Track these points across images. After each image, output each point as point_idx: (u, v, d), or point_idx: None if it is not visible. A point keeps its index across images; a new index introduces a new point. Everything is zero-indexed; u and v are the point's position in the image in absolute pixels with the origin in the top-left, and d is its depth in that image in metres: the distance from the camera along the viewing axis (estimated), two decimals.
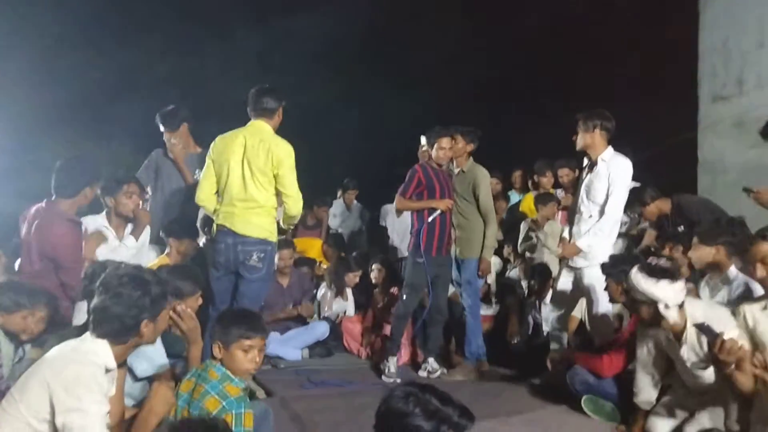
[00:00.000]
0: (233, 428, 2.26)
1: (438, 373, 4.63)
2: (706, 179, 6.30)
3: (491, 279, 5.86)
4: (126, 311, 2.21)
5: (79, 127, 7.62)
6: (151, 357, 2.79)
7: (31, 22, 7.63)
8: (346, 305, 5.67)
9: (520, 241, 6.12)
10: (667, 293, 2.98)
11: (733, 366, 2.65)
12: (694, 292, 3.64)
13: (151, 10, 8.25)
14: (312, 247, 6.80)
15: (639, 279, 3.03)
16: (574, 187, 4.71)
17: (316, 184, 6.60)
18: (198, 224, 4.45)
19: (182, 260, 4.13)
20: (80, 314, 3.29)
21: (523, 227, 6.12)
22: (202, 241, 4.32)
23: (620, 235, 4.75)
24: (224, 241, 3.82)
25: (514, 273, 6.09)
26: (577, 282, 4.18)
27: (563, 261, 4.32)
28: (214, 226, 3.89)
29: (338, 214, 7.63)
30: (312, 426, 3.42)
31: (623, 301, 3.79)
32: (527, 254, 6.01)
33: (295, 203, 3.90)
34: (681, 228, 4.66)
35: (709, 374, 3.01)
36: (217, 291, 3.92)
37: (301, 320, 5.43)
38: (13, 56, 7.20)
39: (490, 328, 5.43)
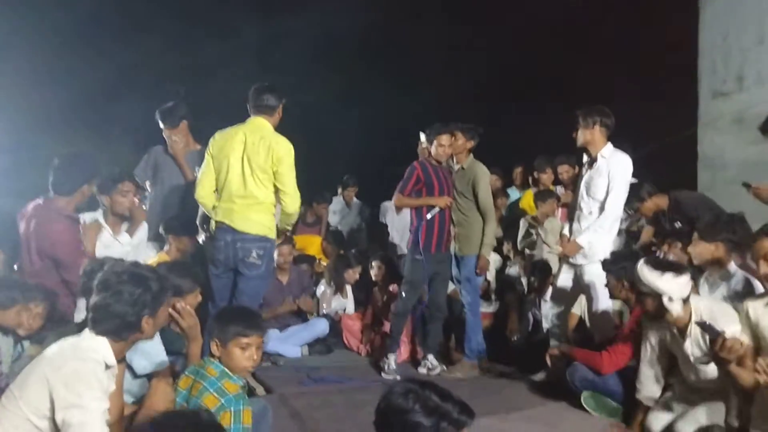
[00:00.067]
0: (232, 425, 2.26)
1: (438, 370, 4.62)
2: (706, 175, 6.30)
3: (491, 276, 5.85)
4: (128, 309, 2.21)
5: (79, 126, 7.61)
6: (150, 354, 2.79)
7: (31, 22, 7.62)
8: (346, 302, 5.66)
9: (519, 238, 6.12)
10: (672, 286, 3.02)
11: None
12: (694, 289, 3.63)
13: (151, 9, 8.24)
14: (311, 244, 6.79)
15: (644, 271, 3.09)
16: (574, 183, 4.69)
17: (315, 182, 6.59)
18: (197, 221, 4.45)
19: (181, 257, 4.14)
20: (82, 311, 3.29)
21: (523, 224, 6.12)
22: (201, 238, 4.32)
23: (619, 231, 4.74)
24: (223, 238, 3.82)
25: (513, 270, 6.07)
26: (577, 279, 4.18)
27: (563, 258, 4.31)
28: (213, 222, 3.88)
29: (338, 211, 7.61)
30: (312, 423, 3.42)
31: (623, 297, 3.81)
32: (527, 251, 6.01)
33: (293, 201, 3.90)
34: (678, 224, 4.65)
35: (712, 369, 3.03)
36: (217, 288, 3.92)
37: (301, 317, 5.43)
38: (13, 56, 7.19)
39: (490, 325, 5.43)
